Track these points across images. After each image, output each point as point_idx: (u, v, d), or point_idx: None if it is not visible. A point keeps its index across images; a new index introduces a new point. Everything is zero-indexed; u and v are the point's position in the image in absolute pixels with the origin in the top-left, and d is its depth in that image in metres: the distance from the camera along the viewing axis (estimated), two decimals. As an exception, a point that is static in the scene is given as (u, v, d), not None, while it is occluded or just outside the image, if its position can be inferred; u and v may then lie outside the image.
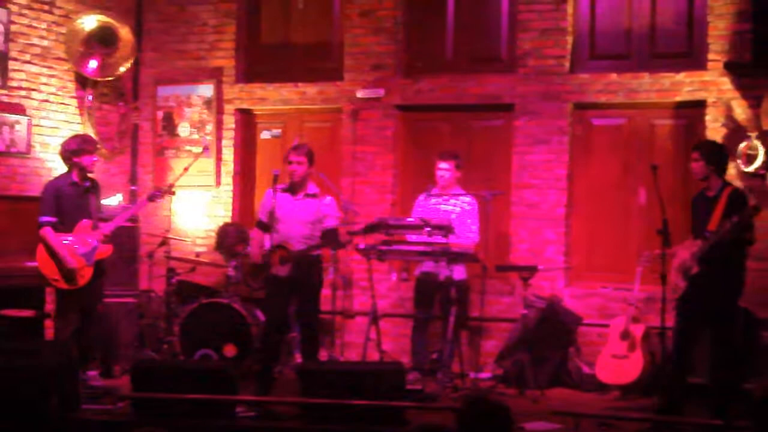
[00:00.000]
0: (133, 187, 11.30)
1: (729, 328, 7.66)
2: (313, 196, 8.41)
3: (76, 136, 8.87)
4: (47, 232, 8.23)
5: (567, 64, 9.96)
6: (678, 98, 9.57)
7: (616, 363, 8.68)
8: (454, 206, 9.06)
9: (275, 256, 8.18)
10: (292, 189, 8.35)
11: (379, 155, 10.53)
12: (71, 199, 8.40)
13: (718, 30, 9.34)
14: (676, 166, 9.46)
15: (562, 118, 9.93)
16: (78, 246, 8.30)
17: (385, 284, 10.12)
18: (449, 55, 10.54)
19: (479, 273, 8.91)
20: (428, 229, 8.47)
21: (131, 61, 10.79)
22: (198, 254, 10.44)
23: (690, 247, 7.68)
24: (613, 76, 9.75)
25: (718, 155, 7.81)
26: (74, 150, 8.46)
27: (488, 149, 10.33)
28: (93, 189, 8.61)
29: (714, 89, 9.35)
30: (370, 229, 8.42)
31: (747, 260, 7.64)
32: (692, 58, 9.60)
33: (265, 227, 8.40)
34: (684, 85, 9.51)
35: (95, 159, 8.63)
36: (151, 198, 8.93)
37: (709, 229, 7.53)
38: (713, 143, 8.16)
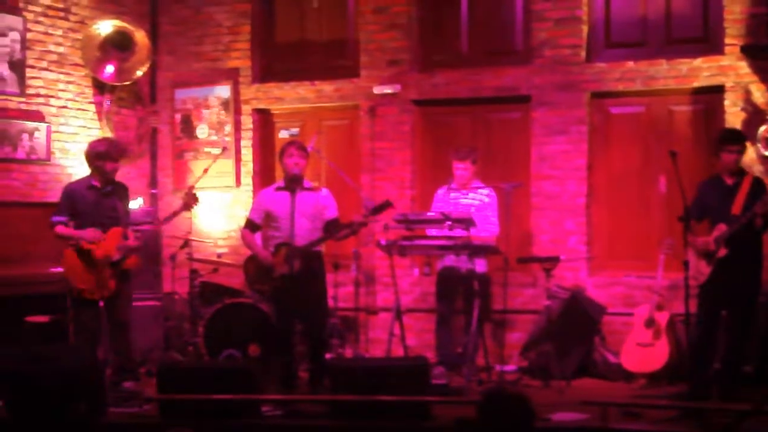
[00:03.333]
0: (153, 191, 11.33)
1: (752, 311, 7.70)
2: (311, 189, 8.39)
3: (104, 140, 8.89)
4: (60, 228, 8.25)
5: (583, 54, 9.93)
6: (696, 84, 9.53)
7: (642, 351, 8.66)
8: (473, 199, 9.04)
9: (280, 256, 8.17)
10: (290, 185, 8.30)
11: (398, 151, 10.53)
12: (88, 203, 8.36)
13: (734, 14, 9.29)
14: (696, 152, 9.43)
15: (579, 107, 9.90)
16: (107, 255, 8.28)
17: (408, 279, 10.11)
18: (464, 48, 10.52)
19: (501, 265, 8.89)
20: (449, 222, 8.46)
21: (148, 64, 10.83)
22: (220, 255, 10.47)
23: (712, 232, 7.67)
24: (630, 63, 9.72)
25: (745, 138, 7.91)
26: (100, 153, 8.43)
27: (506, 141, 10.32)
28: (117, 193, 8.56)
29: (732, 74, 9.31)
30: (379, 208, 8.33)
31: (764, 245, 7.69)
32: (709, 43, 9.56)
33: (256, 228, 8.40)
34: (702, 71, 9.46)
35: (117, 166, 8.55)
36: (186, 207, 8.83)
37: (734, 211, 7.54)
38: (741, 132, 8.20)
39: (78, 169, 10.09)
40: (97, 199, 8.41)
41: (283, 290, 8.19)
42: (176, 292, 10.05)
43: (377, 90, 10.50)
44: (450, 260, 8.95)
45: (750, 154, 9.12)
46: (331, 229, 8.34)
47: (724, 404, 7.19)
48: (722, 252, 7.57)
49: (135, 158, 11.18)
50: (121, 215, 8.49)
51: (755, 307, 7.82)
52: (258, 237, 8.62)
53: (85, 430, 6.80)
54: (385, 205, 8.29)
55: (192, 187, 9.10)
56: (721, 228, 7.61)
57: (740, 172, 7.82)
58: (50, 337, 8.85)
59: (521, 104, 10.21)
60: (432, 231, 8.88)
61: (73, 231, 8.23)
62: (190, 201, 8.66)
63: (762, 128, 9.05)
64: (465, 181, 9.08)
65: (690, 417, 6.92)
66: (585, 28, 9.93)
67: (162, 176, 11.49)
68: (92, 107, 10.60)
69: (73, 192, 8.40)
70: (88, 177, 8.53)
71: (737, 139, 7.88)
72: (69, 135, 10.24)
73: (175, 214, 8.71)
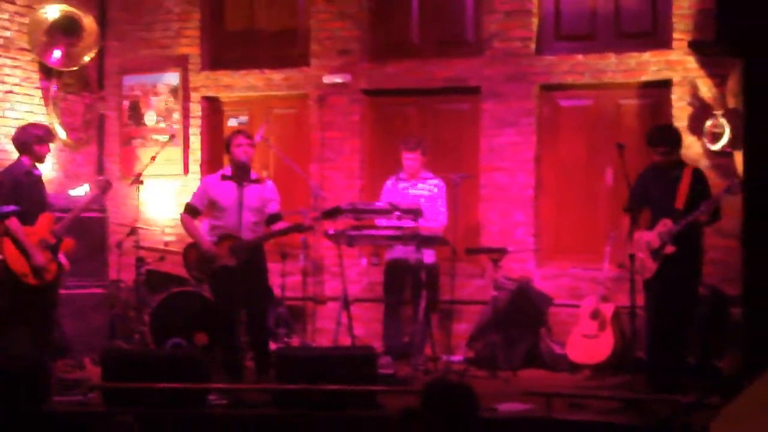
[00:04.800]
0: (100, 177, 11.22)
1: (693, 304, 7.77)
2: (257, 181, 8.33)
3: (38, 125, 8.80)
4: (15, 225, 8.11)
5: (533, 46, 9.97)
6: (644, 78, 9.61)
7: (587, 343, 8.73)
8: (422, 190, 9.06)
9: (224, 247, 8.11)
10: (237, 175, 8.23)
11: (347, 140, 10.51)
12: (27, 189, 8.27)
13: (683, 9, 9.39)
14: (643, 145, 9.46)
15: (529, 99, 9.94)
16: (43, 239, 8.23)
17: (356, 269, 10.10)
18: (415, 38, 10.52)
19: (449, 256, 8.92)
20: (397, 213, 8.47)
21: (95, 50, 10.72)
22: (167, 243, 10.41)
23: (656, 226, 7.72)
24: (579, 57, 9.78)
25: (677, 137, 7.92)
26: (40, 137, 8.37)
27: (456, 132, 10.34)
28: (41, 180, 8.55)
29: (679, 68, 9.40)
30: (330, 213, 8.37)
31: (703, 240, 7.77)
32: (657, 37, 9.64)
33: (197, 213, 8.34)
34: (650, 65, 9.54)
35: (49, 150, 8.57)
36: (104, 189, 8.87)
37: (677, 205, 7.59)
38: (667, 128, 8.21)
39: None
40: (33, 186, 8.34)
41: (224, 280, 8.13)
42: (122, 280, 9.97)
43: (327, 79, 10.47)
44: (398, 251, 8.96)
45: (696, 149, 9.23)
46: (276, 227, 8.30)
47: (667, 396, 7.25)
48: (669, 249, 7.62)
49: (82, 145, 11.07)
50: (48, 202, 8.47)
51: (696, 299, 7.90)
52: (204, 224, 8.53)
53: (27, 419, 6.74)
54: (335, 212, 8.31)
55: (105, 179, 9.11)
56: (667, 223, 7.65)
57: (680, 164, 7.86)
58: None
59: (471, 95, 10.23)
60: (381, 221, 8.89)
61: (27, 242, 8.13)
62: (105, 186, 8.72)
63: (708, 123, 9.14)
64: (414, 172, 9.09)
65: (633, 408, 6.98)
66: (535, 21, 9.97)
67: (109, 163, 11.39)
68: (38, 92, 10.47)
69: (15, 179, 8.28)
70: (19, 162, 8.40)
71: (661, 142, 7.88)
72: (15, 120, 10.08)
73: (92, 200, 8.73)
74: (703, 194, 7.63)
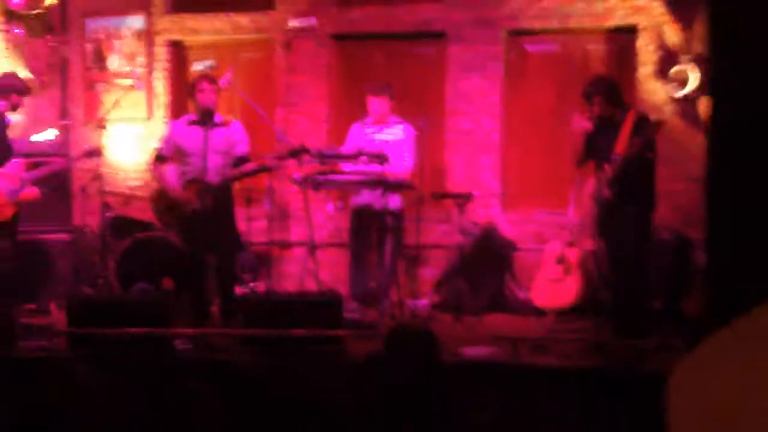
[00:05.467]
0: (64, 122, 11.13)
1: (641, 251, 7.78)
2: (222, 124, 8.31)
3: (19, 77, 8.81)
4: None
5: (500, -10, 9.94)
6: (611, 23, 9.59)
7: (552, 287, 8.78)
8: (389, 135, 9.04)
9: (191, 191, 8.10)
10: (202, 119, 8.21)
11: (313, 85, 10.47)
12: (3, 134, 8.32)
13: (650, -47, 9.37)
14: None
15: (495, 44, 9.92)
16: (4, 182, 8.20)
17: (322, 215, 10.09)
18: (382, -18, 10.46)
19: (415, 201, 8.93)
20: (363, 158, 8.46)
21: (59, -8, 10.60)
22: (132, 188, 10.35)
23: (600, 173, 7.75)
24: (546, 1, 9.75)
25: (608, 86, 7.89)
26: (21, 88, 8.51)
27: (422, 77, 10.32)
28: (7, 126, 8.55)
29: (646, 14, 9.40)
30: (293, 153, 8.34)
31: (655, 181, 7.74)
32: (624, -19, 9.63)
33: (164, 160, 8.33)
34: (616, 10, 9.53)
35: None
36: (89, 154, 8.88)
37: (616, 152, 7.59)
38: (598, 80, 8.13)
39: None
40: (3, 130, 8.34)
41: (192, 224, 8.13)
42: (87, 225, 9.92)
43: (292, 23, 10.38)
44: (364, 197, 8.95)
45: (661, 95, 9.24)
46: (242, 168, 8.27)
47: (631, 339, 7.32)
48: (606, 193, 7.65)
49: (45, 88, 10.96)
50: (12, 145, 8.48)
51: (646, 242, 7.89)
52: (172, 170, 8.50)
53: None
54: (300, 151, 8.27)
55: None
56: (606, 169, 7.68)
57: (622, 110, 7.84)
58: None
59: (437, 40, 10.20)
60: (347, 166, 8.87)
61: None
62: (93, 150, 8.84)
63: (674, 69, 9.15)
64: (380, 117, 9.06)
65: (597, 351, 7.06)
66: (502, -35, 9.93)
67: (73, 107, 11.28)
68: (1, 36, 10.34)
69: None
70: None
71: (593, 94, 7.87)
72: (-24, 63, 10.02)
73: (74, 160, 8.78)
74: (641, 132, 7.59)
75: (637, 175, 7.60)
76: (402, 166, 8.91)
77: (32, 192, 8.47)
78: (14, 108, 8.46)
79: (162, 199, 8.53)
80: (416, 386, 4.13)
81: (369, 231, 9.11)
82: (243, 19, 10.73)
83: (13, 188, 8.25)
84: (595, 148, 7.89)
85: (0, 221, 8.31)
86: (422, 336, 4.29)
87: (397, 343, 4.25)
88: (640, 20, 9.43)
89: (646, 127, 7.47)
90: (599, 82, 8.04)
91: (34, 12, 10.53)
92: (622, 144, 7.59)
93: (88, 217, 9.79)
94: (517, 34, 10.00)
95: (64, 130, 11.05)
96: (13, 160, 8.32)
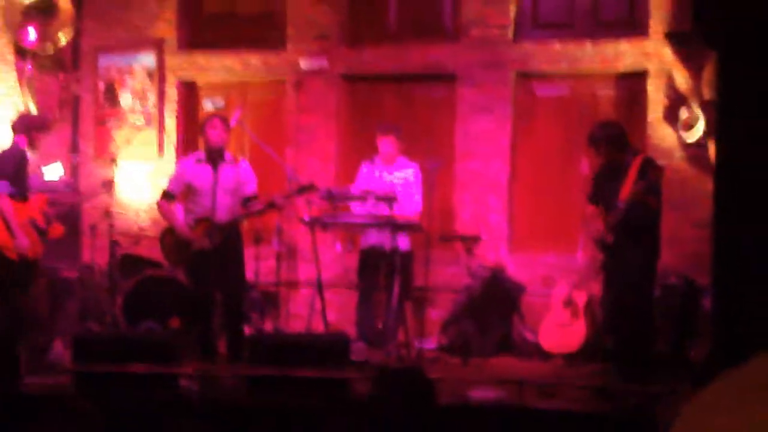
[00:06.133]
0: (73, 156, 11.16)
1: (644, 297, 7.76)
2: (231, 163, 8.35)
3: (37, 114, 8.91)
4: (6, 204, 8.13)
5: (510, 33, 9.97)
6: (620, 68, 9.62)
7: (560, 331, 8.75)
8: (398, 176, 9.05)
9: (200, 230, 8.11)
10: (212, 158, 8.25)
11: (323, 125, 10.49)
12: (23, 171, 8.39)
13: (660, -1, 9.41)
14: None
15: (505, 87, 9.94)
16: (33, 219, 8.29)
17: (330, 255, 10.09)
18: (393, 24, 10.50)
19: (423, 242, 8.92)
20: (372, 199, 8.47)
21: (71, 31, 10.65)
22: (141, 227, 10.36)
23: (604, 218, 7.75)
24: (557, 45, 9.78)
25: (618, 135, 7.90)
26: (41, 125, 8.58)
27: (432, 118, 10.34)
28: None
29: (656, 59, 9.41)
30: (301, 190, 8.35)
31: (659, 229, 7.74)
32: (634, 27, 9.65)
33: (172, 199, 8.35)
34: (626, 55, 9.56)
35: None
36: (104, 186, 8.94)
37: (621, 199, 7.59)
38: (603, 126, 8.14)
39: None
40: (25, 167, 8.42)
41: (200, 263, 8.13)
42: (95, 263, 9.92)
43: (303, 64, 10.44)
44: (373, 237, 8.94)
45: (671, 140, 9.25)
46: (251, 207, 8.30)
47: (637, 385, 7.29)
48: (608, 239, 7.67)
49: (55, 124, 11.00)
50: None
51: (649, 288, 7.88)
52: (179, 209, 8.53)
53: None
54: (309, 188, 8.29)
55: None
56: (611, 215, 7.69)
57: (629, 156, 7.85)
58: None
59: (447, 82, 10.23)
60: (356, 207, 8.88)
61: (16, 226, 8.14)
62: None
63: (683, 114, 9.16)
64: (390, 157, 9.07)
65: (604, 397, 7.02)
66: (513, 8, 9.97)
67: (83, 143, 11.32)
68: (13, 73, 10.40)
69: (18, 160, 8.35)
70: (19, 144, 8.44)
71: (597, 142, 7.92)
72: (-12, 100, 10.07)
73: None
74: (643, 178, 7.59)
75: (639, 221, 7.60)
76: (411, 207, 8.91)
77: (59, 229, 8.55)
78: (32, 145, 8.52)
79: (170, 238, 8.54)
80: (408, 428, 4.10)
81: (377, 272, 9.11)
82: (254, 59, 10.78)
83: (40, 225, 8.32)
84: (602, 192, 7.89)
85: (33, 259, 8.34)
86: (413, 378, 4.25)
87: (385, 385, 4.22)
88: (649, 65, 9.45)
89: (649, 172, 7.47)
90: (606, 128, 8.05)
91: (47, 49, 10.58)
92: (627, 189, 7.59)
93: (96, 255, 9.79)
94: (527, 76, 10.02)
95: (73, 165, 11.08)
96: (34, 195, 8.40)
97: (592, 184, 7.96)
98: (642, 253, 7.68)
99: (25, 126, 8.53)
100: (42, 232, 8.36)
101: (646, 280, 7.80)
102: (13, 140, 8.46)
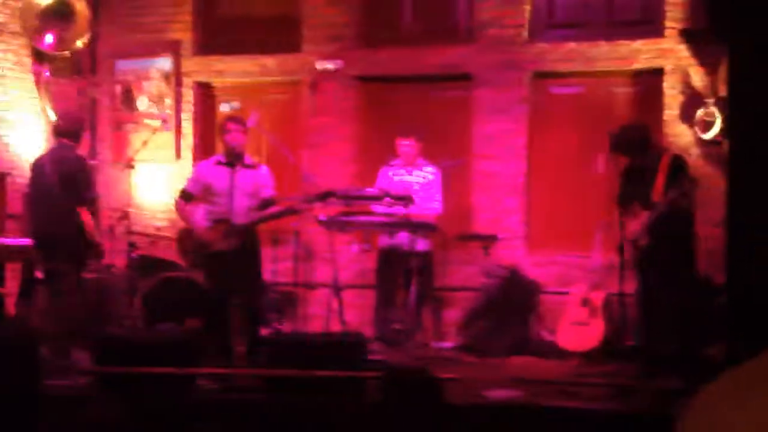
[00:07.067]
0: (92, 162, 11.20)
1: (680, 297, 7.76)
2: (251, 166, 8.38)
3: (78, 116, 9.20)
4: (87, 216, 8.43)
5: (525, 33, 9.98)
6: (636, 66, 9.62)
7: (577, 330, 8.75)
8: (417, 177, 9.07)
9: (218, 231, 8.15)
10: (231, 161, 8.29)
11: (339, 127, 10.52)
12: None
13: (675, -4, 9.40)
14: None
15: (521, 87, 9.95)
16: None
17: (347, 255, 10.11)
18: (408, 25, 10.52)
19: (440, 243, 8.94)
20: (389, 200, 8.49)
21: (88, 35, 10.69)
22: (158, 228, 10.40)
23: (640, 218, 7.74)
24: (572, 44, 9.79)
25: (642, 139, 7.90)
26: (82, 125, 8.94)
27: (448, 119, 10.35)
28: None
29: (672, 56, 9.41)
30: (322, 197, 8.39)
31: (694, 228, 7.74)
32: (649, 25, 9.65)
33: (190, 198, 8.39)
34: (641, 53, 9.56)
35: None
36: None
37: (654, 198, 7.59)
38: (626, 131, 8.14)
39: (14, 138, 10.00)
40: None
41: (218, 264, 8.17)
42: (113, 265, 9.96)
43: (319, 65, 10.44)
44: (392, 237, 8.96)
45: (688, 138, 9.24)
46: (269, 211, 8.33)
47: (655, 383, 7.28)
48: (643, 241, 7.66)
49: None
50: None
51: (682, 288, 7.88)
52: (198, 210, 8.56)
53: (17, 402, 6.74)
54: (327, 195, 8.33)
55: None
56: (644, 215, 7.68)
57: (656, 156, 7.86)
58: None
59: (463, 82, 10.24)
60: (377, 208, 8.89)
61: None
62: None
63: (700, 112, 9.15)
64: (409, 159, 9.09)
65: (622, 395, 7.02)
66: (528, 8, 9.98)
67: (101, 147, 11.38)
68: (30, 77, 10.45)
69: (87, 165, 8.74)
70: (78, 152, 8.63)
71: (621, 148, 7.92)
72: (6, 104, 10.09)
73: None
74: (678, 181, 7.60)
75: (674, 224, 7.60)
76: (429, 208, 8.93)
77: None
78: (79, 145, 8.68)
79: (188, 239, 8.58)
80: (419, 428, 4.11)
81: (396, 272, 9.13)
82: (270, 61, 10.82)
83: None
84: (632, 194, 7.88)
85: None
86: (418, 377, 4.26)
87: (392, 384, 4.23)
88: (665, 63, 9.44)
89: (683, 179, 7.49)
90: (630, 131, 8.05)
91: (64, 53, 10.64)
92: (659, 189, 7.59)
93: (114, 257, 9.84)
94: (543, 76, 10.03)
95: (93, 170, 11.13)
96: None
97: (620, 186, 7.95)
98: (677, 255, 7.70)
99: (77, 128, 8.63)
100: None
101: (681, 280, 7.80)
102: (67, 144, 8.52)
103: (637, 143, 7.87)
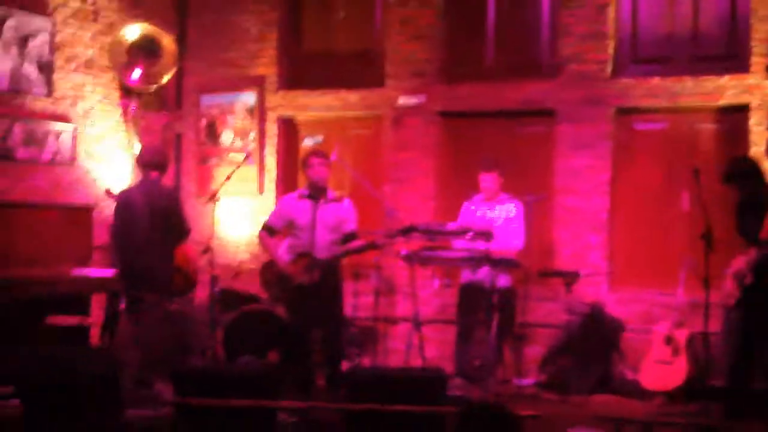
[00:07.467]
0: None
1: None
2: (334, 200, 8.42)
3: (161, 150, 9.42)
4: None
5: (609, 69, 9.92)
6: (721, 102, 9.50)
7: (661, 368, 8.63)
8: (500, 212, 9.03)
9: (301, 265, 8.19)
10: (314, 195, 8.34)
11: (421, 161, 10.54)
12: None
13: (761, 32, 9.26)
14: (719, 170, 9.38)
15: (604, 122, 9.88)
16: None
17: (428, 290, 10.10)
18: (490, 61, 10.52)
19: (522, 278, 8.89)
20: (470, 235, 8.46)
21: (174, 70, 10.87)
22: (241, 262, 10.49)
23: (746, 255, 7.61)
24: (656, 80, 9.70)
25: (754, 169, 7.78)
26: (167, 158, 9.06)
27: (530, 154, 10.31)
28: None
29: (758, 93, 9.28)
30: (404, 231, 8.40)
31: None
32: (735, 61, 9.52)
33: (273, 232, 8.44)
34: (727, 89, 9.43)
35: None
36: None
37: (762, 235, 7.45)
38: (735, 162, 8.05)
39: (101, 171, 10.17)
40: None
41: (299, 298, 8.21)
42: (195, 297, 10.07)
43: (401, 101, 10.52)
44: (474, 273, 8.93)
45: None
46: (351, 245, 8.36)
47: (741, 423, 7.16)
48: (747, 279, 7.52)
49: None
50: None
51: None
52: (282, 244, 8.61)
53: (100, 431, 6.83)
54: (409, 230, 8.33)
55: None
56: (751, 252, 7.55)
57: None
58: (70, 339, 8.88)
59: (546, 118, 10.20)
60: (458, 243, 8.87)
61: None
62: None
63: (786, 148, 9.02)
64: (491, 194, 9.07)
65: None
66: (611, 43, 9.92)
67: (186, 181, 11.54)
68: (118, 111, 10.65)
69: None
70: (163, 180, 8.87)
71: (731, 179, 7.81)
72: (94, 137, 10.29)
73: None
74: None
75: None
76: (511, 243, 8.88)
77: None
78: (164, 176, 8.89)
79: (270, 272, 8.65)
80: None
81: (476, 307, 9.08)
82: (353, 96, 10.89)
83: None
84: (743, 227, 7.75)
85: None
86: (496, 413, 4.23)
87: (471, 422, 4.20)
88: (751, 99, 9.31)
89: None
90: (739, 162, 7.97)
91: (150, 88, 10.82)
92: (766, 227, 7.45)
93: (197, 289, 9.93)
94: (626, 112, 9.95)
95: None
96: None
97: (736, 219, 7.82)
98: None
99: (164, 160, 8.81)
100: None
101: None
102: (155, 177, 8.68)
103: (749, 173, 7.76)
